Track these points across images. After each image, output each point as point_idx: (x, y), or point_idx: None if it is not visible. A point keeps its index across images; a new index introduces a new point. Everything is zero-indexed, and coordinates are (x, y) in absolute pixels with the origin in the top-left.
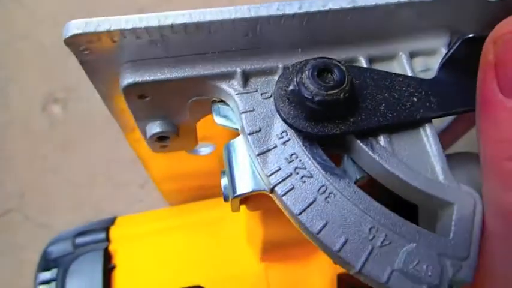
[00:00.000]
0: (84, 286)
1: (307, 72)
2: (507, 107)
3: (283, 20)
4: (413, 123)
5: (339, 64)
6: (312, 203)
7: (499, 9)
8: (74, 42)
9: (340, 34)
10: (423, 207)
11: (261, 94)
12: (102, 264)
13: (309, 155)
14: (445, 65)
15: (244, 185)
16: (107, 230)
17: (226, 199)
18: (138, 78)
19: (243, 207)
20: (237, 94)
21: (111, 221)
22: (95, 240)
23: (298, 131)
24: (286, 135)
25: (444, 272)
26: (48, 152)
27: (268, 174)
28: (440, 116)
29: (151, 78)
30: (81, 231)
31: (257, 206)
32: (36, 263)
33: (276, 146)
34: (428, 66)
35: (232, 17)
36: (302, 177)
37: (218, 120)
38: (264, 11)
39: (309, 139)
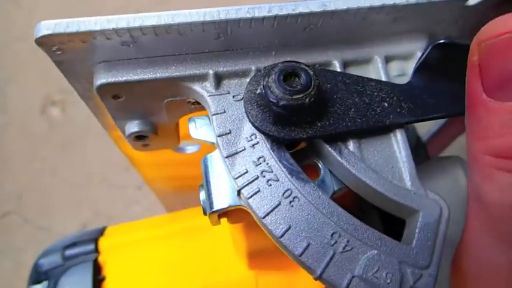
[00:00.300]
0: None
1: (273, 76)
2: (489, 107)
3: (253, 23)
4: (383, 129)
5: (306, 68)
6: (276, 206)
7: (479, 12)
8: (45, 43)
9: (313, 37)
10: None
11: (233, 96)
12: (91, 276)
13: (276, 159)
14: (418, 70)
15: (221, 200)
16: (95, 241)
17: (204, 213)
18: (111, 78)
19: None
20: (209, 96)
21: (101, 232)
22: (84, 252)
23: (266, 135)
24: (255, 138)
25: (404, 280)
26: (47, 154)
27: (236, 176)
28: (411, 122)
29: (124, 78)
30: (70, 243)
31: (237, 219)
32: None
33: (244, 149)
34: (405, 71)
35: (201, 19)
36: (268, 180)
37: (194, 134)
38: (233, 14)
39: (277, 142)
